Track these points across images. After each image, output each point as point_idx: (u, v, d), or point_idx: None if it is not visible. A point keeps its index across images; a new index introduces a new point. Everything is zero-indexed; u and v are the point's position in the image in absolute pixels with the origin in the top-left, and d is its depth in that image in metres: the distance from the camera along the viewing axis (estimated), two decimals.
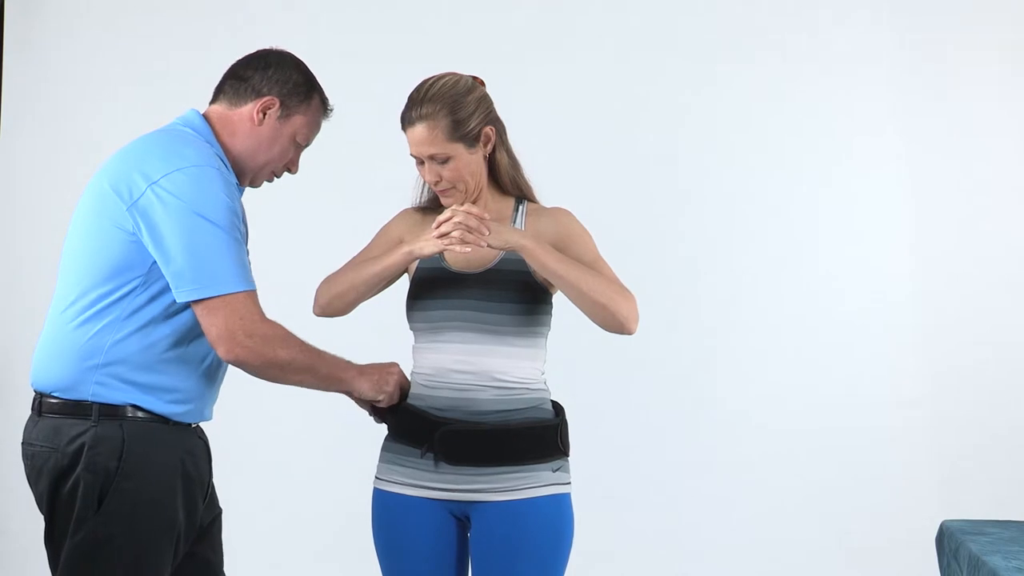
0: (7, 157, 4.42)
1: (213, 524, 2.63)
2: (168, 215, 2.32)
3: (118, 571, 2.35)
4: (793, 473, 4.15)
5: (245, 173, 2.55)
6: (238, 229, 2.38)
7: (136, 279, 2.37)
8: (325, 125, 4.16)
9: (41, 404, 2.51)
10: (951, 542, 3.15)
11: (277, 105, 2.52)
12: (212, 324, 2.35)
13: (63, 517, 2.42)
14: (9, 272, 4.42)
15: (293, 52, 2.62)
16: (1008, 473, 4.06)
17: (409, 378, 2.62)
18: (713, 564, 4.15)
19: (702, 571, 4.14)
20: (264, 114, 2.52)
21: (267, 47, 2.60)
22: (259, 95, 2.52)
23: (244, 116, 2.51)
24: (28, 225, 4.40)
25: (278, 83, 2.53)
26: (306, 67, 2.60)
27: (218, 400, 2.62)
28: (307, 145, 2.62)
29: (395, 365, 2.59)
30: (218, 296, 2.33)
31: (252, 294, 2.38)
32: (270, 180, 2.61)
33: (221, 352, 2.37)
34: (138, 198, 2.34)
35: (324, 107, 2.61)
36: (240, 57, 2.59)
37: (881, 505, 4.11)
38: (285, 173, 2.62)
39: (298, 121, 2.55)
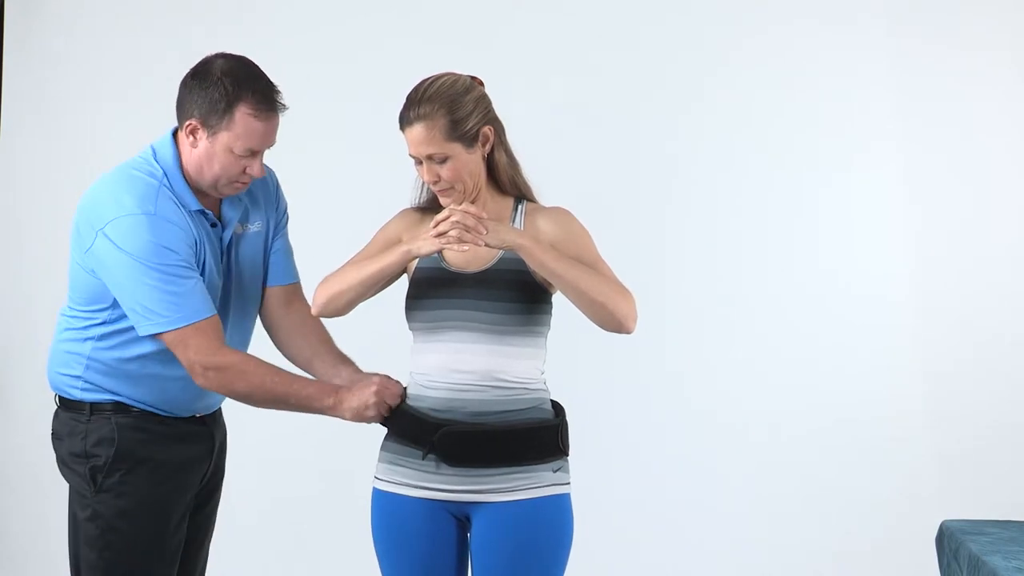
0: (7, 157, 4.42)
1: (208, 500, 2.78)
2: (112, 262, 2.49)
3: (123, 548, 2.58)
4: (793, 473, 4.14)
5: (203, 189, 2.59)
6: (178, 266, 2.48)
7: (106, 308, 2.57)
8: (326, 126, 4.20)
9: (57, 400, 2.72)
10: (951, 542, 3.16)
11: (200, 126, 2.53)
12: (177, 357, 2.53)
13: (72, 497, 2.66)
14: (9, 272, 4.42)
15: (239, 53, 2.59)
16: (1008, 473, 4.05)
17: (408, 379, 2.61)
18: (712, 564, 4.14)
19: (701, 571, 4.14)
20: (194, 136, 2.54)
21: (209, 55, 2.58)
22: (187, 117, 2.55)
23: (183, 138, 2.57)
24: (28, 225, 4.40)
25: (197, 103, 2.53)
26: (235, 74, 2.53)
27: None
28: (259, 150, 2.57)
29: (372, 382, 2.58)
30: (167, 332, 2.50)
31: (200, 326, 2.49)
32: (237, 189, 2.61)
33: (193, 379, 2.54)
34: (90, 245, 2.52)
35: (259, 112, 2.52)
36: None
37: (881, 505, 4.10)
38: (252, 178, 2.60)
39: (225, 137, 2.52)
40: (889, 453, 4.12)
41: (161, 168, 2.55)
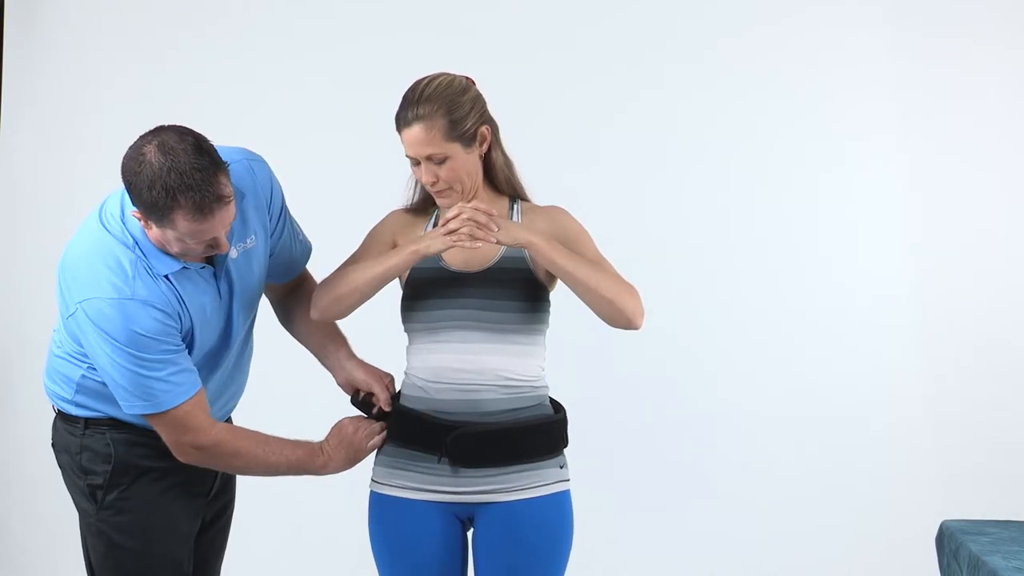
0: (7, 158, 4.42)
1: (221, 515, 2.74)
2: (91, 337, 2.39)
3: (133, 565, 2.53)
4: (793, 473, 4.14)
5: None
6: (157, 352, 2.38)
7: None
8: (321, 124, 4.19)
9: (55, 410, 2.66)
10: (951, 542, 3.16)
11: (145, 218, 2.34)
12: (160, 434, 2.47)
13: (79, 514, 2.60)
14: (9, 273, 4.42)
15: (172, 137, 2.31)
16: (1008, 473, 4.04)
17: (402, 379, 2.62)
18: (711, 563, 4.14)
19: (700, 569, 4.13)
20: (145, 221, 2.36)
21: (141, 140, 2.32)
22: (132, 203, 2.35)
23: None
24: (28, 225, 4.40)
25: (135, 199, 2.32)
26: (166, 182, 2.26)
27: None
28: (213, 239, 2.36)
29: (345, 425, 2.60)
30: (149, 414, 2.43)
31: (184, 408, 2.42)
32: (209, 257, 2.47)
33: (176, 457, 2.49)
34: (70, 315, 2.42)
35: (197, 217, 2.29)
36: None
37: (881, 505, 4.10)
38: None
39: (170, 234, 2.34)
40: (889, 453, 4.11)
41: (131, 235, 2.41)
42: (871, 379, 4.13)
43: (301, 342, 2.80)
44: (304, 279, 2.81)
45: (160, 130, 2.33)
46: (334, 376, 2.74)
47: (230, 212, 2.35)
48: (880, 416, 4.12)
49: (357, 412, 2.68)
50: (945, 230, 4.14)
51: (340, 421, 2.62)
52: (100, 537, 2.53)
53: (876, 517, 4.09)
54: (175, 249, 2.38)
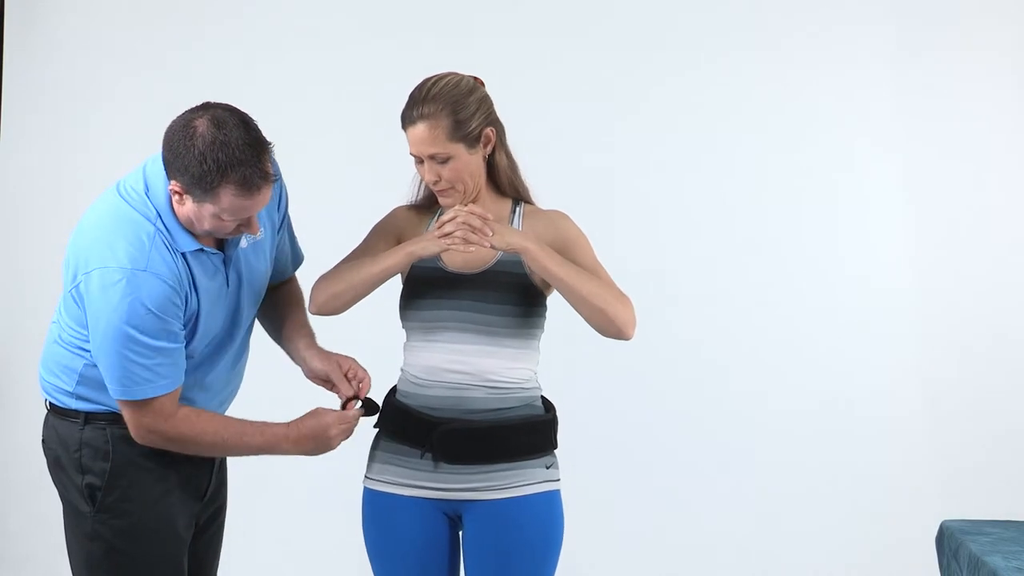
0: (7, 156, 4.42)
1: (215, 520, 2.71)
2: (92, 309, 2.37)
3: (132, 569, 2.49)
4: (792, 473, 4.14)
5: (199, 235, 2.44)
6: (155, 332, 2.35)
7: None
8: (324, 121, 4.19)
9: (48, 406, 2.61)
10: (951, 542, 3.16)
11: (184, 192, 2.34)
12: (122, 413, 2.45)
13: (68, 512, 2.56)
14: (10, 273, 4.42)
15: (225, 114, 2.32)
16: (1008, 473, 4.05)
17: (399, 375, 2.62)
18: (710, 562, 4.14)
19: (698, 570, 4.13)
20: (180, 195, 2.36)
21: (192, 112, 2.34)
22: (171, 176, 2.36)
23: (172, 189, 2.39)
24: (29, 225, 4.39)
25: (179, 171, 2.32)
26: (218, 155, 2.28)
27: None
28: (248, 216, 2.37)
29: (324, 418, 2.52)
30: (119, 399, 2.42)
31: (159, 400, 2.40)
32: (235, 235, 2.44)
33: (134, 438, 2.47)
34: (76, 285, 2.39)
35: (245, 193, 2.31)
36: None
37: (881, 505, 4.10)
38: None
39: (209, 209, 2.34)
40: (889, 453, 4.12)
41: (154, 208, 2.39)
42: (871, 380, 4.13)
43: (271, 335, 2.75)
44: (289, 281, 2.77)
45: (208, 105, 2.35)
46: (301, 369, 2.67)
47: (270, 192, 2.37)
48: (880, 416, 4.13)
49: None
50: (945, 232, 4.15)
51: (321, 413, 2.53)
52: (97, 540, 2.49)
53: (876, 517, 4.09)
54: (207, 226, 2.37)
